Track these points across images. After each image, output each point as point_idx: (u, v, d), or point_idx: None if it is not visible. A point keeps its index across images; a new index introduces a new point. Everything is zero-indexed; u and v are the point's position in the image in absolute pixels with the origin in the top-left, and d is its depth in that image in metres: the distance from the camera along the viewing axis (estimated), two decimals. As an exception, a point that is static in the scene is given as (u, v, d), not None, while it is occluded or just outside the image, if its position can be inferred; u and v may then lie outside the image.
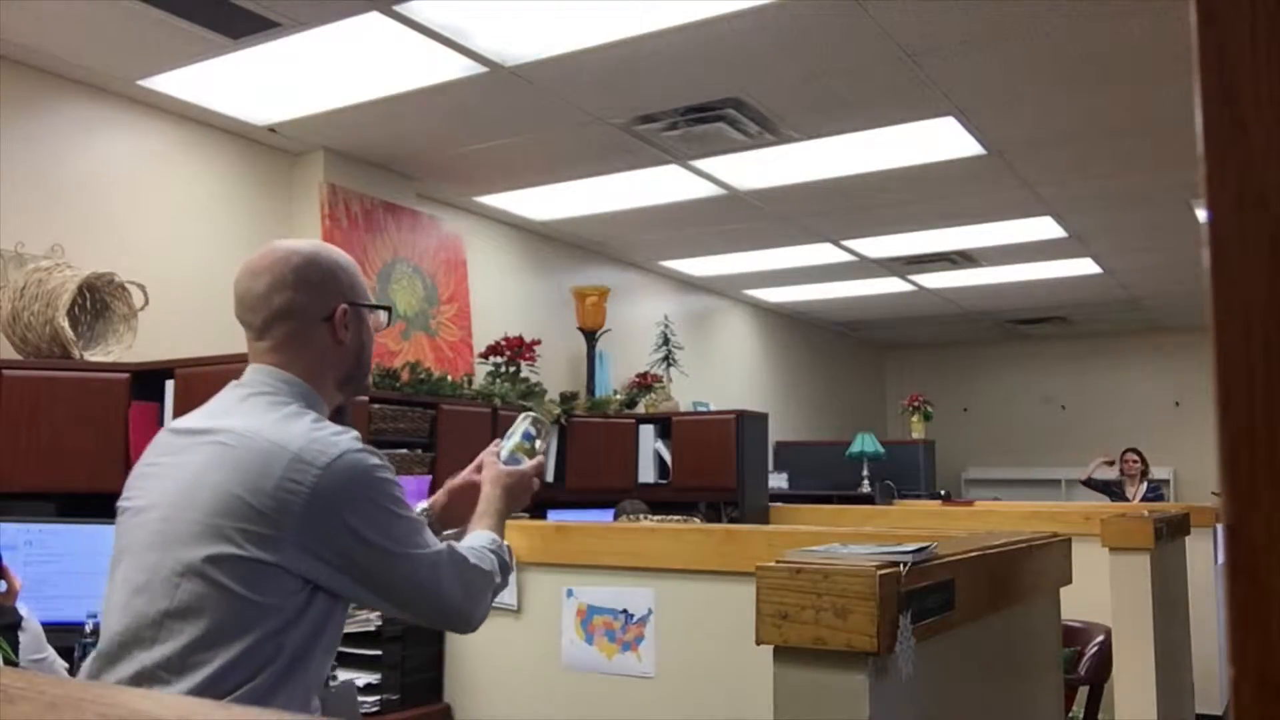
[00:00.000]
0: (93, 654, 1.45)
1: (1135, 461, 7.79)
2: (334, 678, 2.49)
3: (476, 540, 1.64)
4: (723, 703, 2.33)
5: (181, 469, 1.44)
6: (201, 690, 1.32)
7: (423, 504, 1.83)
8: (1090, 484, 7.89)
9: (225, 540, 1.35)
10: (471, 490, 1.80)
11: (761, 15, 3.39)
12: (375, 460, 1.45)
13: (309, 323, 1.54)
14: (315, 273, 1.54)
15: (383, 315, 1.67)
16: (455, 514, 1.82)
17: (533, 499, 1.87)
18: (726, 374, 8.17)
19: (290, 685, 1.38)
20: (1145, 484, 7.74)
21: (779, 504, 5.57)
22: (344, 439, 1.43)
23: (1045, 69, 3.83)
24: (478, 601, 1.55)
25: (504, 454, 1.85)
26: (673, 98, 4.11)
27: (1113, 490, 7.75)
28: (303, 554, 1.37)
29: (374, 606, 1.56)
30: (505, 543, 1.69)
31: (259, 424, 1.43)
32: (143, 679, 1.35)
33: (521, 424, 1.91)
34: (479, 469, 1.84)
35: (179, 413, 3.28)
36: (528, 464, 1.84)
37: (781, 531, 2.82)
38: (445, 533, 1.77)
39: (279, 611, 1.37)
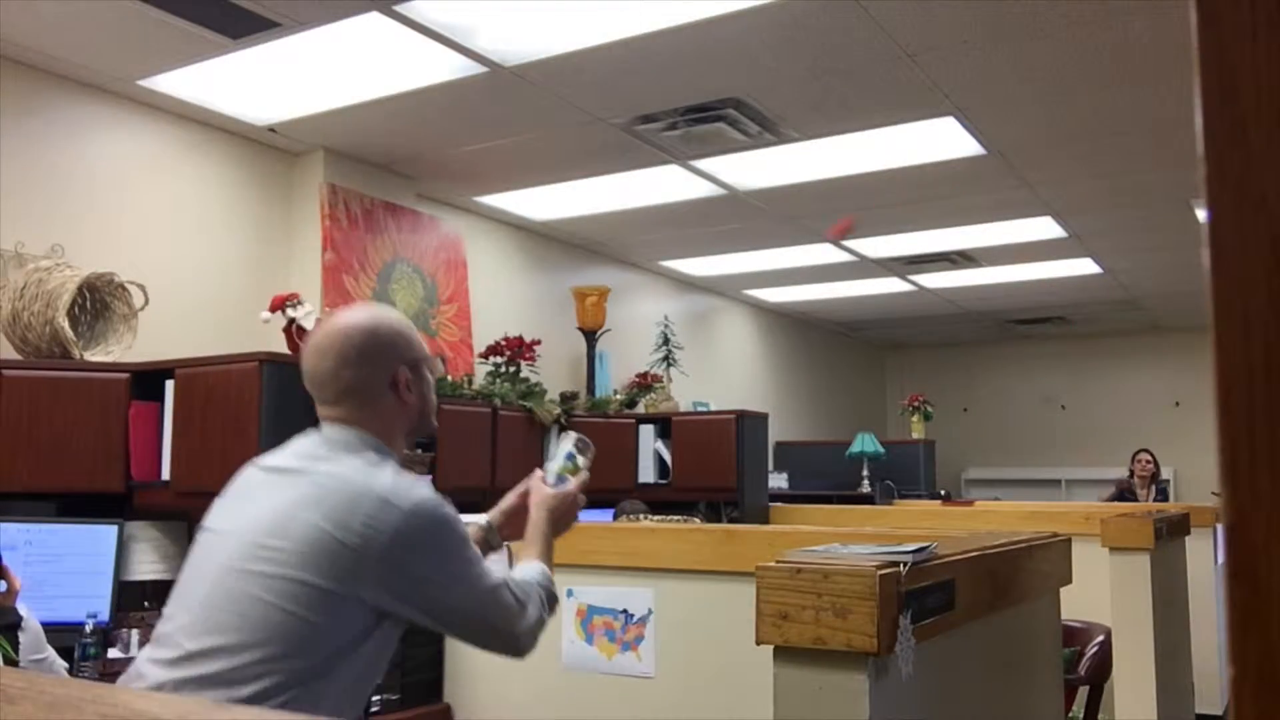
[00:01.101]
0: (149, 656, 1.59)
1: (1148, 462, 7.68)
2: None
3: (527, 574, 1.77)
4: (723, 703, 2.33)
5: (270, 501, 1.59)
6: (252, 700, 1.46)
7: (482, 518, 1.99)
8: (1111, 497, 7.80)
9: (307, 569, 1.50)
10: (522, 512, 1.95)
11: (761, 15, 3.39)
12: (448, 508, 1.63)
13: (375, 392, 1.70)
14: (375, 345, 1.70)
15: (438, 363, 1.81)
16: (509, 532, 1.99)
17: (579, 518, 2.00)
18: (726, 374, 8.17)
19: (343, 705, 1.54)
20: (1155, 486, 7.69)
21: (779, 504, 5.57)
22: (422, 487, 1.62)
23: (1045, 69, 3.83)
24: (528, 633, 1.70)
25: (550, 477, 1.96)
26: (673, 98, 4.11)
27: (1123, 492, 7.66)
28: (379, 587, 1.53)
29: (438, 630, 1.75)
30: (550, 573, 1.83)
31: (347, 469, 1.60)
32: (204, 684, 1.48)
33: (565, 445, 1.99)
34: (525, 494, 1.98)
35: (179, 412, 3.30)
36: (572, 484, 1.95)
37: (781, 531, 2.82)
38: (490, 553, 1.95)
39: (343, 637, 1.52)
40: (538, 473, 1.97)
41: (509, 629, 1.66)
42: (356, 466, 1.60)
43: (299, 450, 1.68)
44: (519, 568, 1.80)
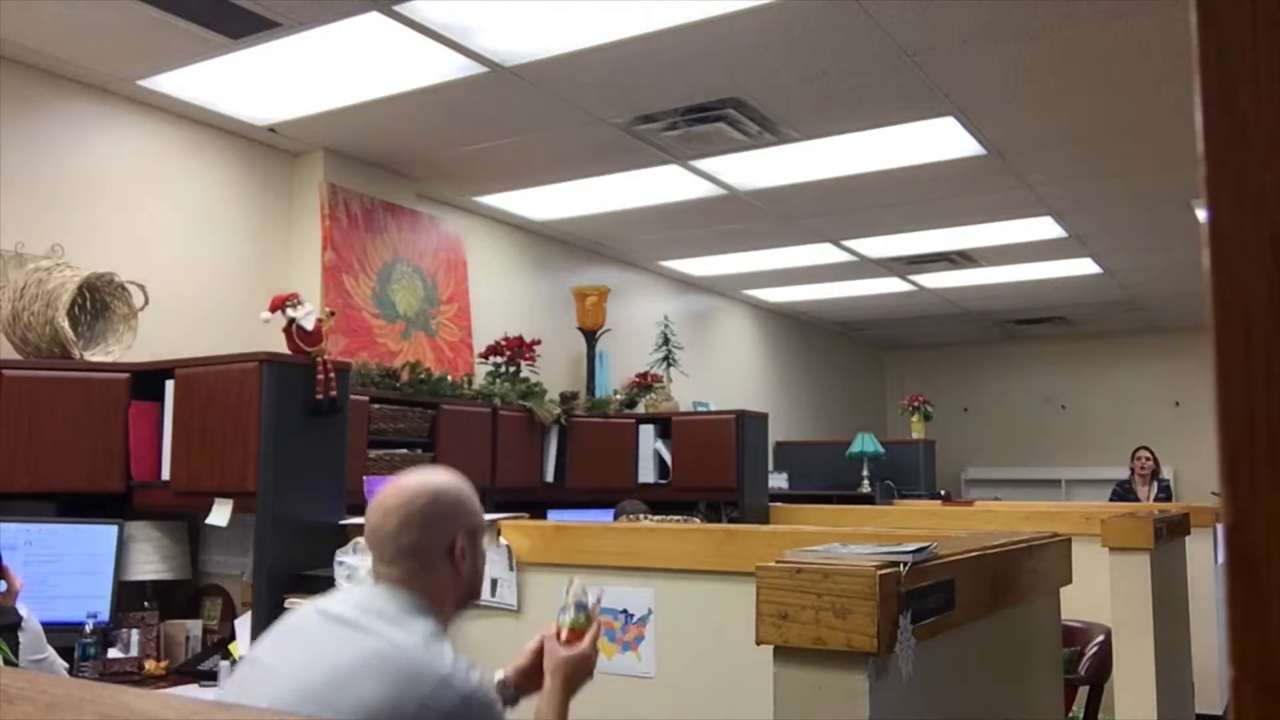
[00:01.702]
0: None
1: (1148, 459, 7.70)
2: None
3: None
4: (723, 703, 2.33)
5: (328, 653, 1.61)
6: None
7: (498, 675, 1.97)
8: (1113, 496, 7.81)
9: None
10: (537, 670, 1.94)
11: (761, 15, 3.39)
12: (494, 696, 1.69)
13: (432, 557, 1.74)
14: (437, 511, 1.75)
15: (496, 534, 1.91)
16: (524, 688, 1.99)
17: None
18: (726, 374, 8.17)
19: None
20: (1156, 484, 7.69)
21: (779, 504, 5.57)
22: (476, 672, 1.66)
23: (1045, 69, 3.83)
24: None
25: (563, 632, 1.93)
26: (673, 98, 4.11)
27: (1125, 492, 7.67)
28: None
29: None
30: None
31: (411, 640, 1.63)
32: None
33: (574, 595, 1.96)
34: (539, 650, 1.96)
35: (179, 412, 3.30)
36: (584, 644, 1.92)
37: (781, 531, 2.82)
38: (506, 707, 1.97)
39: None
40: (550, 627, 1.94)
41: None
42: (419, 635, 1.64)
43: (358, 602, 1.70)
44: None
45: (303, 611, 1.75)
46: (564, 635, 1.90)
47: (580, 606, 1.93)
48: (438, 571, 1.73)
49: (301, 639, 1.67)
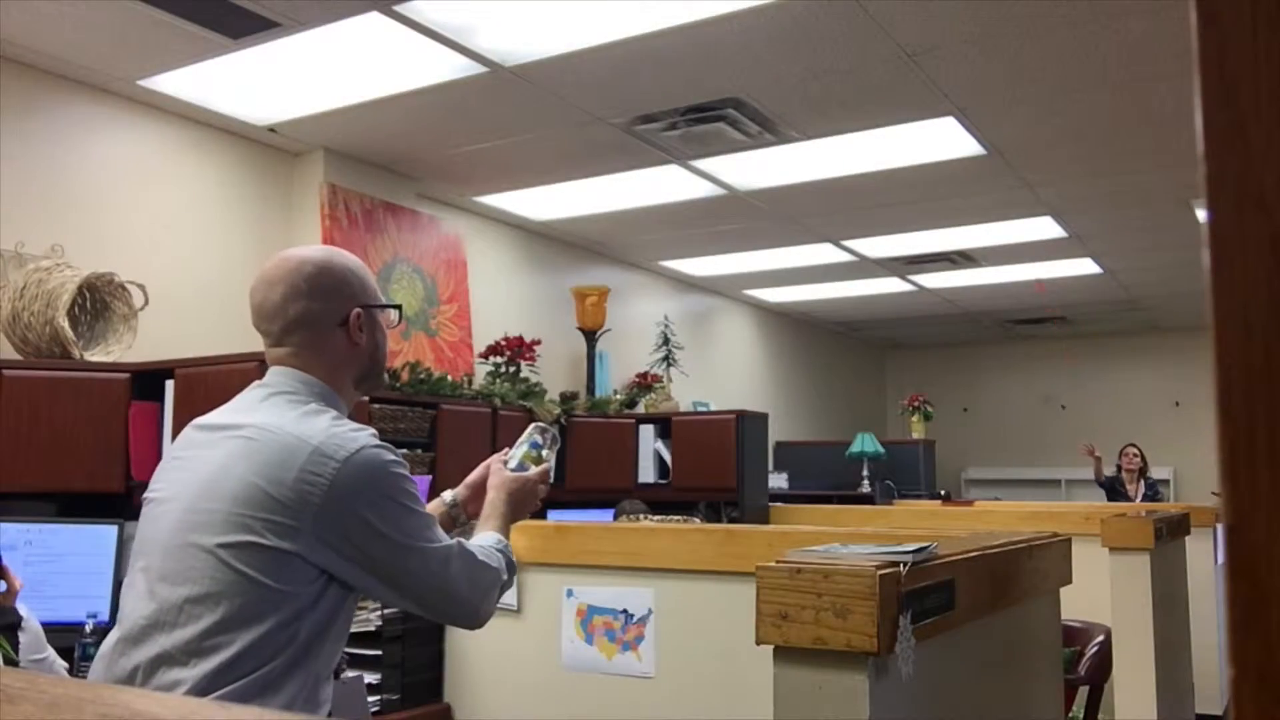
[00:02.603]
0: (113, 638, 1.50)
1: (1135, 456, 7.72)
2: (343, 669, 2.51)
3: (484, 540, 1.69)
4: (723, 703, 2.33)
5: (205, 462, 1.50)
6: (217, 674, 1.38)
7: (448, 494, 1.92)
8: (1101, 483, 7.84)
9: (246, 529, 1.41)
10: (482, 492, 1.87)
11: (761, 15, 3.39)
12: (391, 456, 1.51)
13: (325, 328, 1.60)
14: (328, 280, 1.61)
15: (393, 314, 1.75)
16: (475, 509, 1.89)
17: (539, 505, 1.94)
18: (726, 374, 8.17)
19: (301, 672, 1.44)
20: (1143, 481, 7.70)
21: (779, 504, 5.57)
22: (362, 435, 1.50)
23: (1045, 69, 3.83)
24: (485, 597, 1.60)
25: (512, 462, 1.91)
26: (673, 98, 4.11)
27: (1114, 487, 7.70)
28: (319, 544, 1.43)
29: (383, 599, 1.60)
30: (507, 543, 1.74)
31: (281, 420, 1.49)
32: (161, 661, 1.41)
33: (529, 434, 1.96)
34: (488, 470, 1.91)
35: (179, 413, 3.30)
36: (533, 471, 1.89)
37: (781, 531, 2.82)
38: (455, 529, 1.85)
39: (294, 599, 1.42)
40: (499, 455, 1.92)
41: (466, 594, 1.55)
42: (291, 417, 1.49)
43: (235, 405, 1.59)
44: (476, 536, 1.73)
45: (184, 433, 1.63)
46: (512, 464, 1.90)
47: (534, 445, 1.93)
48: (331, 345, 1.60)
49: (182, 460, 1.57)
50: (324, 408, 1.55)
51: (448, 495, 1.91)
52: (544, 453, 1.94)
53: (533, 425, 1.99)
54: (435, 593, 1.53)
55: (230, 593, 1.40)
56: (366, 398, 4.15)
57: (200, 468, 1.50)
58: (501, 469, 1.88)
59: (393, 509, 1.48)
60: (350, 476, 1.44)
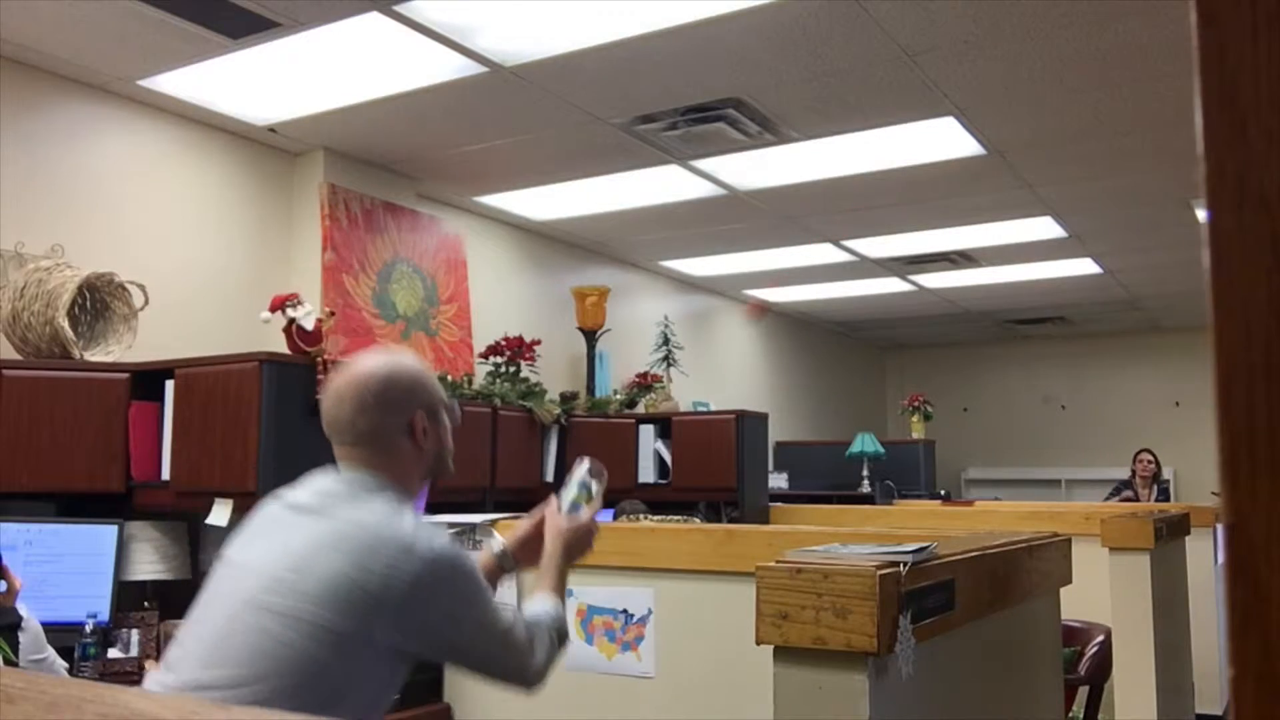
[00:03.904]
0: (159, 683, 1.60)
1: (1150, 462, 7.68)
2: None
3: (539, 613, 1.81)
4: (723, 703, 2.33)
5: (292, 539, 1.62)
6: None
7: (498, 544, 2.01)
8: (1112, 494, 7.80)
9: (325, 610, 1.53)
10: (537, 540, 1.97)
11: (761, 15, 3.39)
12: (466, 557, 1.69)
13: (392, 438, 1.73)
14: (393, 392, 1.74)
15: (454, 404, 1.87)
16: (524, 559, 2.02)
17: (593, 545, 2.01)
18: (726, 374, 8.17)
19: None
20: (1156, 486, 7.68)
21: (779, 504, 5.57)
22: (441, 535, 1.66)
23: (1045, 69, 3.83)
24: (539, 672, 1.75)
25: (564, 504, 1.96)
26: (673, 98, 4.11)
27: (1125, 494, 7.65)
28: (394, 630, 1.57)
29: (453, 667, 1.80)
30: (562, 609, 1.86)
31: (370, 515, 1.63)
32: None
33: (578, 473, 1.99)
34: (540, 522, 1.99)
35: (179, 412, 3.30)
36: (585, 513, 1.95)
37: (781, 531, 2.82)
38: (503, 576, 2.00)
39: (348, 677, 1.55)
40: (553, 500, 1.97)
41: (519, 668, 1.70)
42: (379, 512, 1.63)
43: (320, 489, 1.70)
44: (531, 603, 1.83)
45: (267, 506, 1.75)
46: (564, 508, 1.94)
47: (584, 485, 1.97)
48: (399, 451, 1.73)
49: (266, 532, 1.68)
50: (403, 505, 1.69)
51: (497, 545, 2.00)
52: (594, 490, 1.98)
53: (579, 462, 2.02)
54: (492, 668, 1.70)
55: (290, 663, 1.51)
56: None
57: (286, 544, 1.61)
58: (557, 516, 1.95)
59: (466, 603, 1.64)
60: (433, 572, 1.59)
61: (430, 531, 1.64)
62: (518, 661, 1.69)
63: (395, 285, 4.98)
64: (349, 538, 1.58)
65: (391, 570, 1.55)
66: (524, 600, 1.87)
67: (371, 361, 1.77)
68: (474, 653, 1.67)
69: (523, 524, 2.02)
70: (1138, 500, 7.49)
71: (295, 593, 1.54)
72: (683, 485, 5.30)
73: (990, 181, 5.21)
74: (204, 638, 1.59)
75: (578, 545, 1.93)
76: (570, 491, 1.96)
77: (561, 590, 1.88)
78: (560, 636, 1.80)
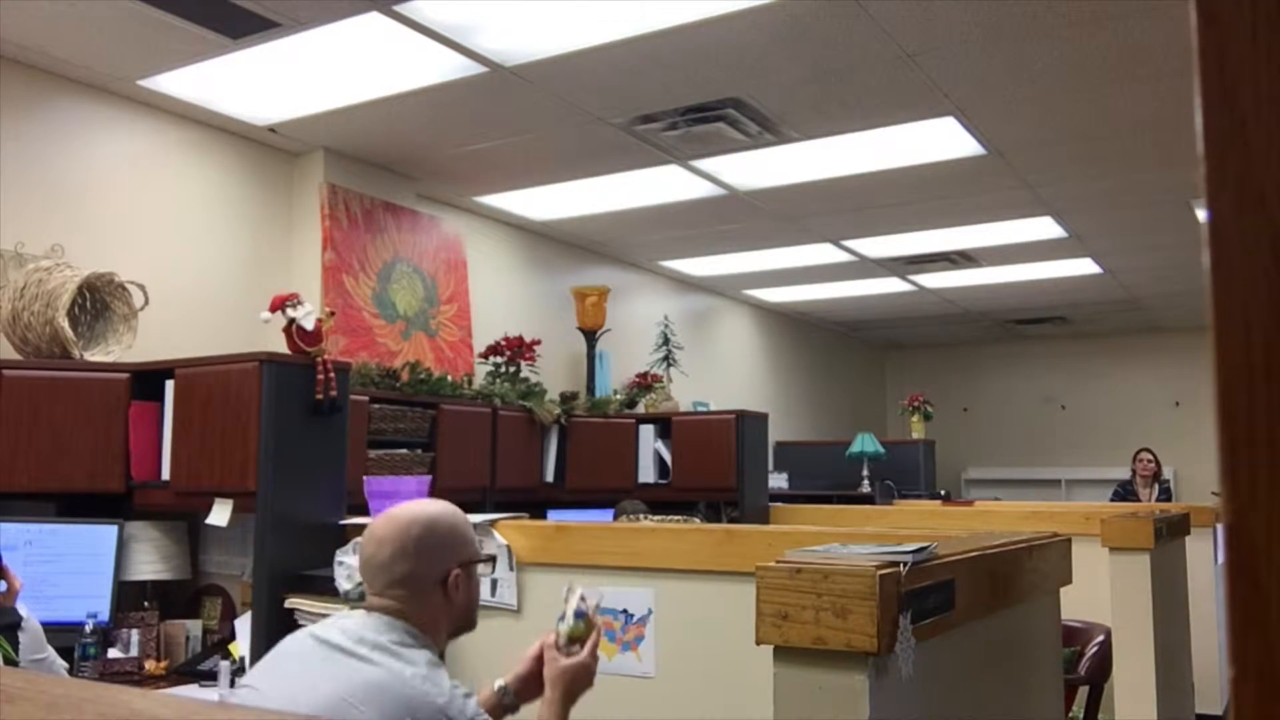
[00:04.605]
0: None
1: (1150, 462, 7.67)
2: None
3: None
4: (723, 703, 2.33)
5: (323, 680, 1.63)
6: None
7: (499, 682, 1.98)
8: (1114, 497, 7.80)
9: None
10: (536, 677, 1.93)
11: (761, 15, 3.39)
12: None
13: (426, 587, 1.76)
14: (433, 541, 1.77)
15: (486, 568, 1.89)
16: (524, 696, 1.98)
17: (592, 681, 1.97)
18: (726, 374, 8.17)
19: None
20: (1157, 485, 7.68)
21: (779, 504, 5.57)
22: (473, 701, 1.69)
23: (1045, 69, 3.83)
24: None
25: (561, 640, 1.91)
26: (673, 98, 4.11)
27: (1125, 495, 7.65)
28: None
29: None
30: None
31: (410, 670, 1.65)
32: None
33: (570, 602, 1.93)
34: (539, 657, 1.94)
35: (179, 412, 3.30)
36: (584, 653, 1.90)
37: (781, 531, 2.82)
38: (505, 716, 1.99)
39: None
40: (550, 635, 1.92)
41: None
42: (419, 667, 1.65)
43: (354, 631, 1.71)
44: None
45: (298, 638, 1.76)
46: (563, 643, 1.89)
47: (580, 614, 1.91)
48: (431, 601, 1.75)
49: (298, 665, 1.68)
50: (439, 661, 1.72)
51: (499, 684, 1.98)
52: (592, 615, 1.93)
53: (570, 592, 1.95)
54: None
55: None
56: (366, 398, 4.15)
57: (319, 683, 1.62)
58: (557, 657, 1.90)
59: None
60: None
61: (463, 699, 1.66)
62: None
63: (395, 285, 4.98)
64: (388, 691, 1.60)
65: None
66: None
67: (414, 509, 1.80)
68: None
69: (522, 662, 1.98)
70: (1138, 500, 7.49)
71: None
72: (683, 485, 5.30)
73: (990, 181, 5.21)
74: None
75: (578, 686, 1.89)
76: (566, 625, 1.91)
77: None
78: None
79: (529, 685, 1.95)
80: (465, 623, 1.84)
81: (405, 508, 1.81)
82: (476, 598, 1.85)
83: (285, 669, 1.70)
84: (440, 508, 1.83)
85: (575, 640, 1.89)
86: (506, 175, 5.17)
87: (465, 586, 1.79)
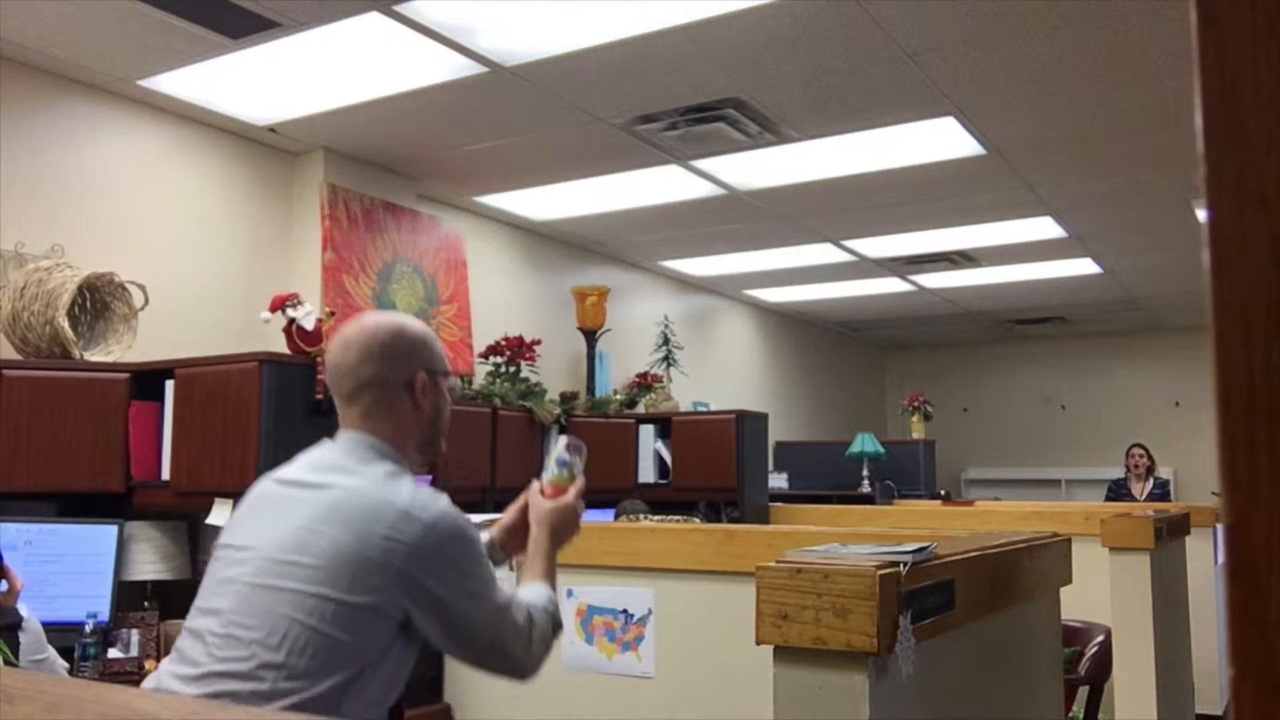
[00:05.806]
0: (167, 675, 1.58)
1: (1142, 456, 7.67)
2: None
3: (531, 598, 1.75)
4: (723, 703, 2.34)
5: (289, 515, 1.60)
6: None
7: (484, 536, 1.93)
8: (1108, 495, 7.80)
9: (331, 585, 1.52)
10: (523, 527, 1.92)
11: (761, 15, 3.39)
12: (467, 523, 1.65)
13: (392, 391, 1.72)
14: (400, 345, 1.73)
15: (455, 382, 1.85)
16: (512, 548, 1.97)
17: (579, 526, 1.95)
18: (726, 374, 8.17)
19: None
20: (1151, 480, 7.68)
21: (779, 504, 5.57)
22: (442, 501, 1.63)
23: (1045, 69, 3.83)
24: (535, 656, 1.71)
25: (546, 487, 1.91)
26: (673, 98, 4.11)
27: (1119, 492, 7.67)
28: (399, 598, 1.55)
29: (441, 645, 1.69)
30: (553, 595, 1.80)
31: (366, 483, 1.62)
32: (230, 699, 1.49)
33: (557, 452, 1.94)
34: (525, 508, 1.93)
35: (179, 412, 3.30)
36: (570, 494, 1.90)
37: (781, 531, 2.82)
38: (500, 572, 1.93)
39: (363, 653, 1.53)
40: (534, 485, 1.92)
41: (515, 650, 1.66)
42: (375, 479, 1.62)
43: (314, 462, 1.69)
44: (522, 590, 1.78)
45: (260, 485, 1.73)
46: (548, 491, 1.90)
47: (562, 463, 1.92)
48: (398, 408, 1.71)
49: (262, 511, 1.66)
50: (401, 471, 1.67)
51: (485, 537, 1.93)
52: (576, 468, 1.92)
53: (556, 441, 1.97)
54: (490, 648, 1.64)
55: (305, 644, 1.49)
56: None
57: (283, 521, 1.59)
58: (540, 500, 1.90)
59: (467, 571, 1.61)
60: (433, 538, 1.57)
61: (429, 496, 1.62)
62: (515, 643, 1.65)
63: (395, 285, 4.98)
64: (347, 506, 1.57)
65: (391, 537, 1.54)
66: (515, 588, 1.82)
67: (382, 316, 1.78)
68: (473, 629, 1.61)
69: (507, 513, 1.98)
70: (1132, 498, 7.49)
71: (301, 570, 1.52)
72: (683, 485, 5.30)
73: (990, 181, 5.21)
74: (214, 626, 1.56)
75: (563, 527, 1.87)
76: (549, 473, 1.91)
77: (552, 576, 1.83)
78: (555, 625, 1.75)
79: (515, 536, 1.94)
80: (434, 434, 1.77)
81: (374, 314, 1.78)
82: (446, 411, 1.79)
83: (250, 520, 1.67)
84: (408, 318, 1.81)
85: (559, 488, 1.90)
86: (506, 175, 5.17)
87: (433, 395, 1.75)
